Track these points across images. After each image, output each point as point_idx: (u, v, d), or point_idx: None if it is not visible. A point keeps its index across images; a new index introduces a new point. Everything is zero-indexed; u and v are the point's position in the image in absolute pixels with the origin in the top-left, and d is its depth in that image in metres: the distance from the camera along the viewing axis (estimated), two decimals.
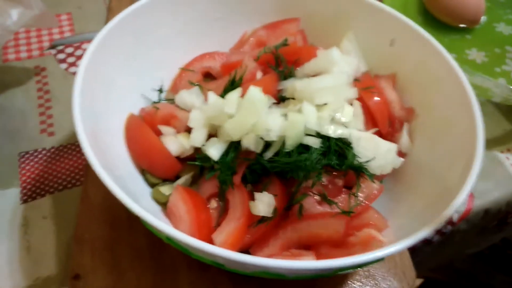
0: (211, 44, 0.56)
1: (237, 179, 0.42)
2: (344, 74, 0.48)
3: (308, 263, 0.33)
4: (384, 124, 0.50)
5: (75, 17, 0.72)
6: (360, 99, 0.49)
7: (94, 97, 0.43)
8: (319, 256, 0.41)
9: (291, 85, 0.46)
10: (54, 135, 0.58)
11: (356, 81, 0.50)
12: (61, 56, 0.67)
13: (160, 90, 0.53)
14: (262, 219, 0.42)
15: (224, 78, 0.51)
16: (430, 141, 0.48)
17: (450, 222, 0.58)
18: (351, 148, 0.44)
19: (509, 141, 0.64)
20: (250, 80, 0.48)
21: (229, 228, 0.41)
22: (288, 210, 0.43)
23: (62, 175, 0.54)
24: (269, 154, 0.42)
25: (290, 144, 0.42)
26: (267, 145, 0.42)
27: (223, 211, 0.44)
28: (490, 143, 0.63)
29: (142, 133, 0.47)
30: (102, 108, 0.45)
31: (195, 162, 0.45)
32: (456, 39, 0.72)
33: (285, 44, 0.53)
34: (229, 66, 0.52)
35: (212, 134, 0.45)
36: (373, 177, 0.45)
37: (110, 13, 0.70)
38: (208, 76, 0.56)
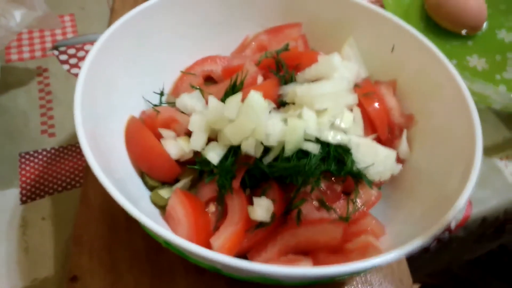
0: (212, 48, 0.57)
1: (236, 183, 0.43)
2: (345, 80, 0.48)
3: (304, 270, 0.33)
4: (384, 131, 0.50)
5: (78, 18, 0.72)
6: (360, 105, 0.49)
7: (95, 99, 0.44)
8: (316, 262, 0.41)
9: (291, 90, 0.47)
10: (54, 136, 0.58)
11: (357, 87, 0.50)
12: (63, 57, 0.67)
13: (161, 93, 0.54)
14: (260, 224, 0.42)
15: (225, 82, 0.51)
16: (429, 148, 0.49)
17: (447, 229, 0.58)
18: (350, 154, 0.44)
19: (509, 148, 0.64)
20: (251, 85, 0.48)
21: (227, 233, 0.41)
22: (286, 215, 0.44)
23: (62, 176, 0.54)
24: (268, 159, 0.42)
25: (289, 149, 0.42)
26: (267, 150, 0.43)
27: (222, 215, 0.44)
28: (490, 150, 0.63)
29: (142, 136, 0.47)
30: (103, 110, 0.45)
31: (195, 166, 0.45)
32: (457, 45, 0.73)
33: (286, 49, 0.53)
34: (230, 70, 0.52)
35: (212, 138, 0.46)
36: (371, 183, 0.45)
37: (113, 14, 0.70)
38: (209, 79, 0.56)
